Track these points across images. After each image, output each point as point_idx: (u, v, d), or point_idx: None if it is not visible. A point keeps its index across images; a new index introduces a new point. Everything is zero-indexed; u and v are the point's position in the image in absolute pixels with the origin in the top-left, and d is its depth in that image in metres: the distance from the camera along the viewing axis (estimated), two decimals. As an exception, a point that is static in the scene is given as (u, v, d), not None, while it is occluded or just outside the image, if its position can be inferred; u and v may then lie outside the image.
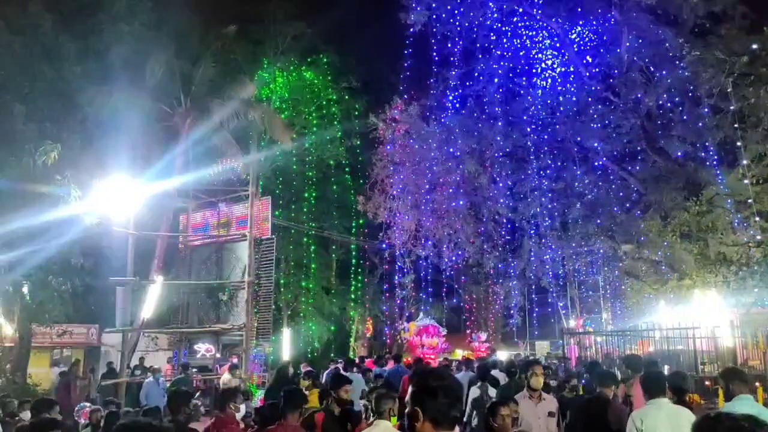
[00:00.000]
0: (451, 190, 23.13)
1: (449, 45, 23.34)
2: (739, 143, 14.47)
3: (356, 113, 28.86)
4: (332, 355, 26.40)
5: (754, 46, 12.27)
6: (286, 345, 24.91)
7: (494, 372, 10.01)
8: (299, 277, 27.34)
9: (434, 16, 23.40)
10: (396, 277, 25.11)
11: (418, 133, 23.34)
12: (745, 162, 14.77)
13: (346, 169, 29.89)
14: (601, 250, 24.32)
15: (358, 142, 29.08)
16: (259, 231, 19.70)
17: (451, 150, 22.58)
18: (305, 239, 27.49)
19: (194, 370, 19.88)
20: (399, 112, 23.80)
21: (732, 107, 13.13)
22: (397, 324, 29.18)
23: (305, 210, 27.45)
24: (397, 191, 23.59)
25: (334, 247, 30.05)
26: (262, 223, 19.83)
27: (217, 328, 19.75)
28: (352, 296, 30.16)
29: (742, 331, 14.78)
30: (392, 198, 24.05)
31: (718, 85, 13.16)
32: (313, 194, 28.11)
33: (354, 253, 30.55)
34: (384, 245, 26.01)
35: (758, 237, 12.52)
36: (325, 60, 29.08)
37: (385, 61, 27.86)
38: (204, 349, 23.47)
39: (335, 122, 28.97)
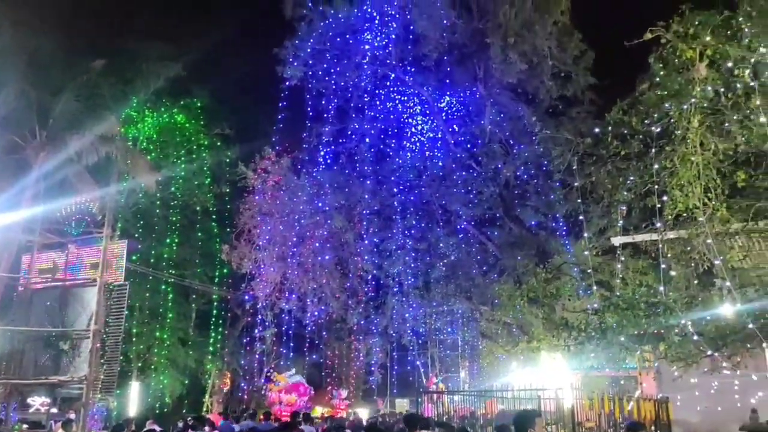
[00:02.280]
0: (318, 245, 23.14)
1: (324, 102, 23.86)
2: (581, 217, 15.74)
3: (227, 160, 28.43)
4: (184, 411, 25.06)
5: (597, 130, 13.46)
6: (133, 399, 23.34)
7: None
8: (153, 327, 25.92)
9: (310, 73, 23.88)
10: (257, 330, 24.44)
11: (289, 186, 23.32)
12: (586, 235, 16.03)
13: (213, 217, 29.17)
14: (460, 311, 25.17)
15: (228, 190, 28.56)
16: (112, 276, 18.60)
17: (320, 204, 22.72)
18: (163, 287, 26.25)
19: (25, 426, 18.07)
20: (270, 163, 23.69)
21: (576, 183, 14.26)
22: (255, 379, 28.30)
23: (165, 256, 26.31)
24: (264, 242, 23.23)
25: (194, 296, 28.87)
26: (116, 268, 18.75)
27: (54, 380, 18.16)
28: (211, 348, 28.96)
29: (581, 392, 15.71)
30: (258, 249, 23.62)
31: (566, 162, 14.31)
32: (176, 240, 27.06)
33: (216, 303, 29.54)
34: (247, 297, 25.34)
35: (595, 305, 13.50)
36: (198, 104, 28.61)
37: (260, 111, 27.90)
38: (39, 402, 21.36)
39: (205, 168, 28.35)
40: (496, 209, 23.38)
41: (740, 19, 10.37)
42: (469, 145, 24.18)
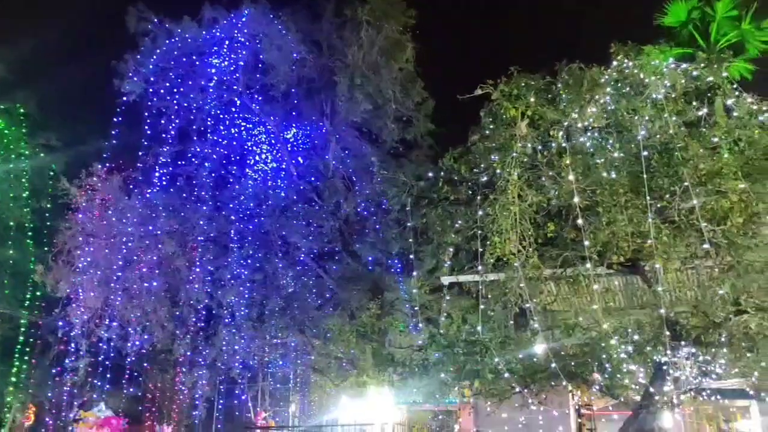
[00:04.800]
0: (146, 270, 21.85)
1: (164, 121, 22.81)
2: (411, 256, 16.39)
3: (51, 174, 26.28)
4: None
5: (431, 174, 14.16)
6: None
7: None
8: (-58, 357, 22.95)
9: (151, 90, 22.83)
10: (69, 359, 22.40)
11: (118, 206, 21.91)
12: (416, 273, 16.71)
13: (29, 233, 26.66)
14: (294, 344, 24.90)
15: (49, 206, 26.31)
16: None
17: (151, 228, 21.55)
18: (-40, 310, 23.43)
19: None
20: (99, 181, 22.16)
21: (410, 224, 14.86)
22: (64, 414, 25.88)
23: (-35, 276, 23.56)
24: (85, 264, 21.52)
25: (-1, 320, 26.03)
26: None
27: None
28: (14, 379, 26.11)
29: (405, 427, 16.16)
30: (78, 271, 21.82)
31: (401, 202, 14.88)
32: (-20, 258, 24.37)
33: (24, 329, 26.77)
34: (61, 323, 23.19)
35: (420, 342, 14.04)
36: (21, 110, 26.32)
37: (93, 124, 26.12)
38: None
39: (24, 180, 26.00)
40: (335, 243, 23.63)
41: (559, 85, 11.51)
42: (312, 179, 24.35)
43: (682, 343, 10.34)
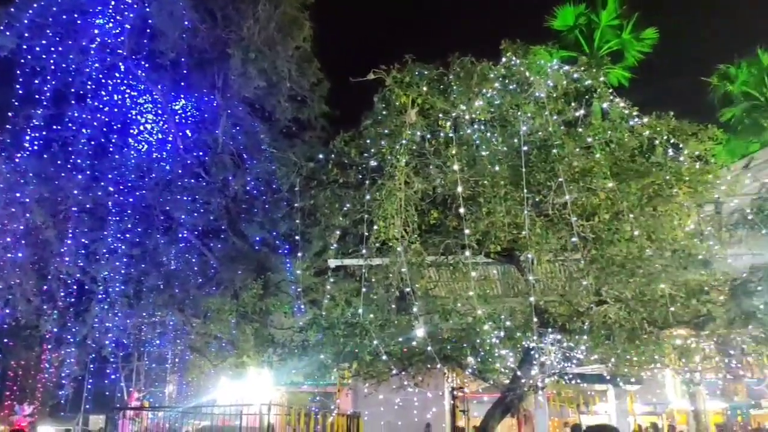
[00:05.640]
0: (10, 239, 20.32)
1: (39, 81, 21.17)
2: (298, 237, 16.29)
3: None
4: None
5: (321, 156, 14.06)
6: None
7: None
8: None
9: (25, 47, 21.10)
10: None
11: (-19, 170, 20.19)
12: (300, 254, 16.62)
13: None
14: (172, 323, 24.13)
15: None
16: None
17: (19, 195, 20.06)
18: None
19: None
20: (-39, 141, 20.34)
21: (297, 204, 14.73)
22: None
23: None
24: (-60, 232, 19.73)
25: None
26: None
27: None
28: None
29: (283, 408, 16.10)
30: (-67, 239, 19.95)
31: (290, 182, 14.67)
32: None
33: None
34: None
35: (301, 323, 14.01)
36: None
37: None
38: None
39: None
40: (222, 221, 23.08)
41: (450, 77, 11.73)
42: (200, 153, 23.58)
43: (549, 329, 10.92)
